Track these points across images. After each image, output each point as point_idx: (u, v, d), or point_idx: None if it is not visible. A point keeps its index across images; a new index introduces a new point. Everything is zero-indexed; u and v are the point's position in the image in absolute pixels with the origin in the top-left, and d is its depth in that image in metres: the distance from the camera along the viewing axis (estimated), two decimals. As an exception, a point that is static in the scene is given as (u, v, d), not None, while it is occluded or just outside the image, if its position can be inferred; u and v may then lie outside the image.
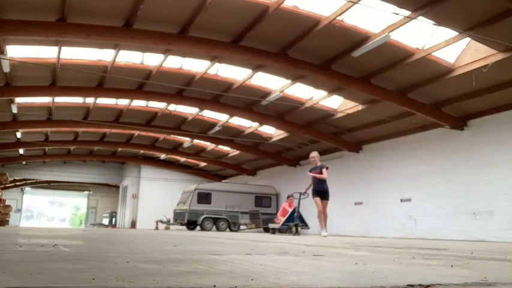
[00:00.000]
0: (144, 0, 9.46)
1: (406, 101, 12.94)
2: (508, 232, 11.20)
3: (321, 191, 10.37)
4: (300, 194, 12.09)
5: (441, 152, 13.86)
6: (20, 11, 9.58)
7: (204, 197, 20.88)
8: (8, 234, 4.10)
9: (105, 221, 35.78)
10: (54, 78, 13.70)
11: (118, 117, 18.71)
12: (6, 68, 11.89)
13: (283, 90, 14.41)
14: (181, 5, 9.99)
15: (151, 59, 13.29)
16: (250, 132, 19.35)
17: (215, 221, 20.48)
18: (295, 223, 12.48)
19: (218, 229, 20.15)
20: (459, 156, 13.23)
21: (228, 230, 20.65)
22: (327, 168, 10.40)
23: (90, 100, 16.71)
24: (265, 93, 14.99)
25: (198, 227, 20.50)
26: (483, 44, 9.93)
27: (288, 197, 14.72)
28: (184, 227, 20.66)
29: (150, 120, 19.17)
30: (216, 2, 9.57)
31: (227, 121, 18.42)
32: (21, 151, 24.16)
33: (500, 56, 9.92)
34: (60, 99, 16.32)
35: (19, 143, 21.47)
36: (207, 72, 13.63)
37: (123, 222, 30.97)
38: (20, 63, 12.11)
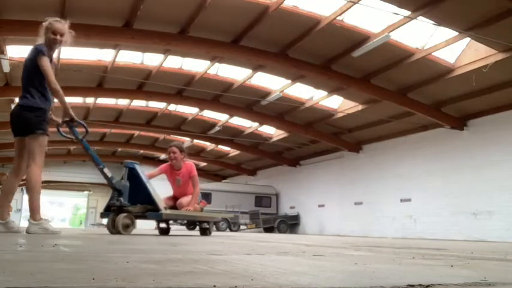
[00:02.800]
0: (144, 0, 9.47)
1: (406, 101, 12.95)
2: (508, 232, 11.20)
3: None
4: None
5: (441, 152, 13.86)
6: (20, 11, 9.58)
7: (204, 197, 20.84)
8: (8, 234, 4.10)
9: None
10: (54, 78, 13.69)
11: (118, 117, 18.71)
12: (6, 68, 11.90)
13: (283, 90, 14.41)
14: (181, 5, 9.99)
15: (151, 59, 13.30)
16: (250, 132, 19.35)
17: (214, 221, 20.41)
18: (116, 204, 5.43)
19: (218, 229, 20.14)
20: (459, 156, 13.23)
21: (228, 230, 20.65)
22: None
23: (90, 100, 16.71)
24: (265, 93, 14.99)
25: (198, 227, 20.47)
26: (483, 44, 9.94)
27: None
28: (184, 227, 20.65)
29: (150, 120, 19.17)
30: (216, 2, 9.57)
31: (227, 121, 18.42)
32: (21, 151, 24.14)
33: (500, 56, 9.93)
34: (60, 99, 16.29)
35: (19, 143, 21.46)
36: (207, 72, 13.64)
37: (123, 222, 30.90)
38: (20, 63, 12.07)
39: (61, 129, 5.04)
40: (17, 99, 16.64)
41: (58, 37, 4.45)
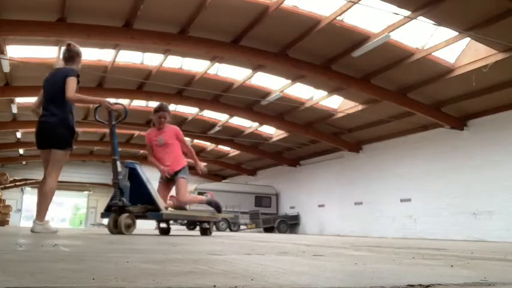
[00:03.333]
0: (144, 0, 9.47)
1: (406, 101, 12.95)
2: (508, 232, 11.20)
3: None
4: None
5: (441, 152, 13.87)
6: (20, 11, 9.58)
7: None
8: (8, 234, 4.11)
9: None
10: (54, 78, 13.70)
11: (118, 117, 18.70)
12: (6, 68, 11.89)
13: (283, 90, 14.42)
14: (181, 5, 9.99)
15: (151, 59, 13.30)
16: (250, 132, 19.35)
17: (215, 221, 20.41)
18: (118, 204, 5.33)
19: (218, 229, 20.15)
20: (459, 156, 13.23)
21: (228, 230, 20.64)
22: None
23: (90, 100, 16.72)
24: (265, 93, 14.99)
25: (198, 227, 20.44)
26: (483, 44, 9.94)
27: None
28: (185, 227, 20.65)
29: (150, 120, 19.13)
30: (216, 2, 9.57)
31: (227, 121, 18.42)
32: (21, 151, 24.15)
33: (500, 56, 9.93)
34: (60, 99, 16.29)
35: (19, 143, 21.46)
36: (207, 72, 13.64)
37: (123, 222, 30.89)
38: (20, 63, 12.10)
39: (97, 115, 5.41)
40: (17, 99, 16.62)
41: None
